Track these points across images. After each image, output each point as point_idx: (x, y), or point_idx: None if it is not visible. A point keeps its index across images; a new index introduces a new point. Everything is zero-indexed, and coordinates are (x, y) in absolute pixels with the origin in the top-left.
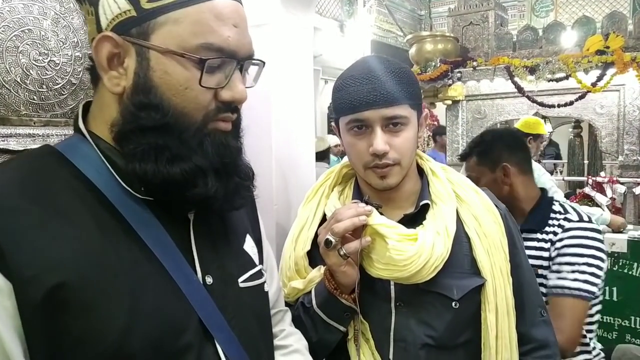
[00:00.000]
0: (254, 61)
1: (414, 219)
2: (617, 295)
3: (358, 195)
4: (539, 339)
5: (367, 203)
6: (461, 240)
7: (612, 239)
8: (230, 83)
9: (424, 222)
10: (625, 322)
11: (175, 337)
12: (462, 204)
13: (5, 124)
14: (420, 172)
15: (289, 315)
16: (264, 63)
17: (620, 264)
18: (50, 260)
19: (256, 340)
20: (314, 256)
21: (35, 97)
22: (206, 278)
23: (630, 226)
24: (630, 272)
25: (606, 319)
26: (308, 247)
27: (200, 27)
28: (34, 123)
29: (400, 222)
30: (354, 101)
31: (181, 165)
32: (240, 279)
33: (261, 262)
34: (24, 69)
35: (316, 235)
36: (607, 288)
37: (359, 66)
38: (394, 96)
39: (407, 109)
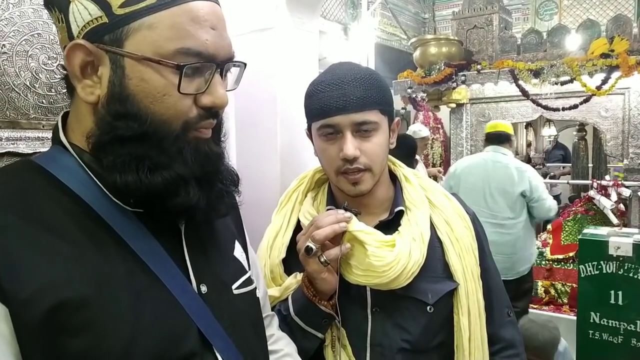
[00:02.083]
0: (234, 63)
1: (388, 225)
2: (623, 299)
3: (332, 201)
4: (506, 339)
5: (345, 209)
6: (434, 245)
7: (618, 243)
8: (210, 88)
9: (399, 229)
10: (630, 327)
11: (177, 348)
12: (434, 209)
13: (14, 127)
14: (393, 178)
15: (276, 320)
16: (245, 65)
17: (626, 267)
18: (46, 279)
19: (252, 346)
20: (289, 263)
21: (44, 100)
22: (201, 287)
23: (635, 230)
24: (635, 276)
25: (611, 323)
26: (283, 255)
27: (176, 32)
28: (43, 126)
29: (375, 228)
30: (325, 106)
31: (162, 174)
32: (234, 286)
33: (249, 267)
34: (34, 73)
35: (291, 242)
36: (612, 292)
37: (330, 72)
38: (363, 101)
39: (377, 115)
